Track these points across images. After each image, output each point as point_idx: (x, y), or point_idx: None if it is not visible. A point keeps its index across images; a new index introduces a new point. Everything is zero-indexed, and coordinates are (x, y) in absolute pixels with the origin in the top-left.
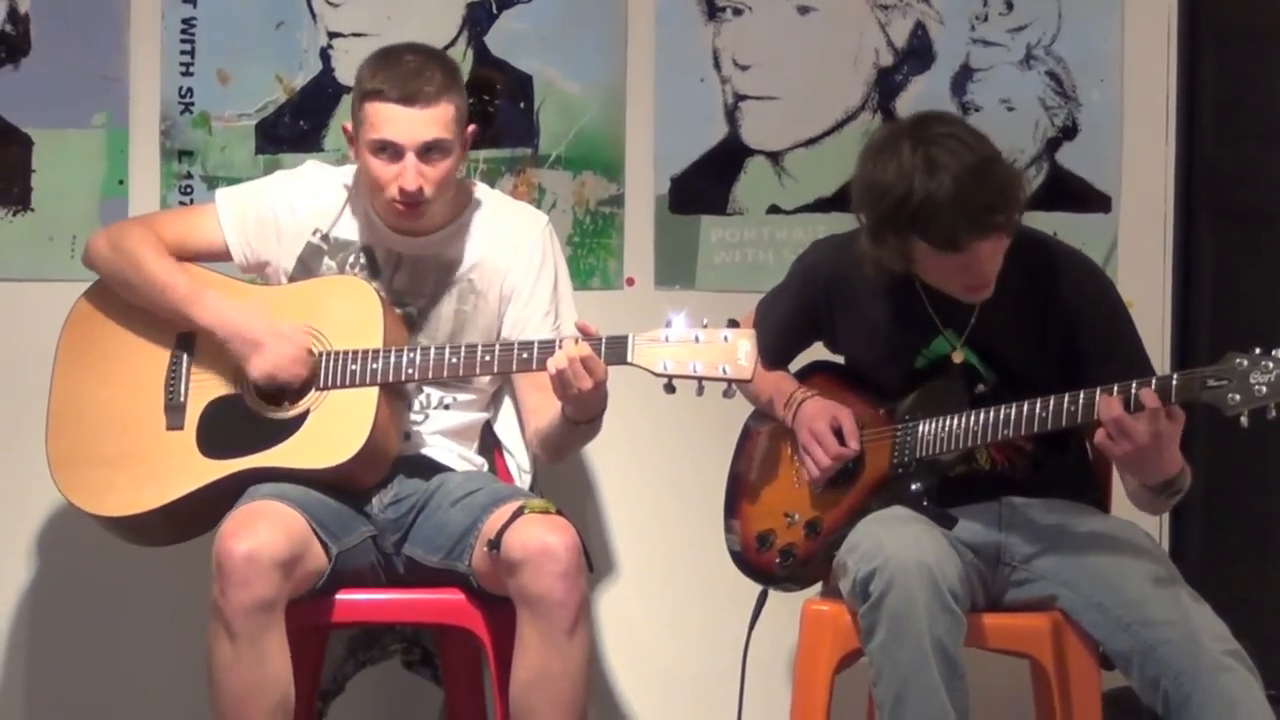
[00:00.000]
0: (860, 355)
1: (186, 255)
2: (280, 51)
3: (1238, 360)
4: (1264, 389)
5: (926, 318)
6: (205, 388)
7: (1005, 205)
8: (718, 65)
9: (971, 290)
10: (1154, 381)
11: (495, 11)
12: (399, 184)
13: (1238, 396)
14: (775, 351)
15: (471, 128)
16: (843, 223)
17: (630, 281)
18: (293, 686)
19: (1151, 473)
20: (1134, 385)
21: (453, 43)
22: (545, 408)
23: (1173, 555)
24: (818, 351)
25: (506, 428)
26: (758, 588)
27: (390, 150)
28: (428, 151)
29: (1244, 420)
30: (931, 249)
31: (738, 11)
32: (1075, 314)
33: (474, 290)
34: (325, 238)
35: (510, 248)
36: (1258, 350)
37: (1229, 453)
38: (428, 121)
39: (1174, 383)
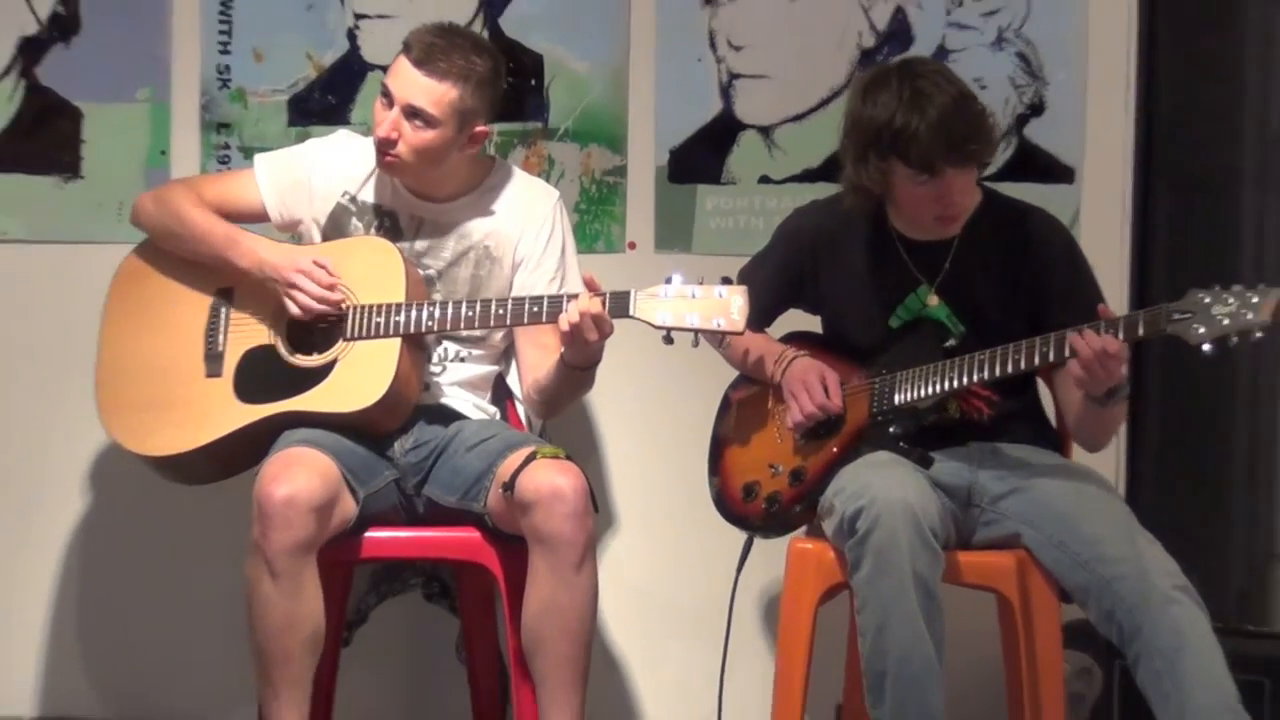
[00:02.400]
0: (841, 310)
1: (225, 215)
2: (310, 31)
3: (1200, 295)
4: (1226, 319)
5: (904, 267)
6: (242, 339)
7: (979, 138)
8: (713, 46)
9: (941, 221)
10: (1123, 318)
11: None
12: (382, 131)
13: (1202, 328)
14: (760, 312)
15: (481, 128)
16: (828, 192)
17: (632, 245)
18: (324, 620)
19: (1111, 385)
20: (1102, 325)
21: (469, 24)
22: (543, 363)
23: (1128, 498)
24: (795, 323)
25: (517, 380)
26: (736, 533)
27: (388, 98)
28: (412, 115)
29: (1207, 348)
30: (910, 173)
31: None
32: (1042, 262)
33: (489, 256)
34: (353, 200)
35: (523, 218)
36: (1217, 286)
37: (1181, 405)
38: (423, 89)
39: (1141, 317)
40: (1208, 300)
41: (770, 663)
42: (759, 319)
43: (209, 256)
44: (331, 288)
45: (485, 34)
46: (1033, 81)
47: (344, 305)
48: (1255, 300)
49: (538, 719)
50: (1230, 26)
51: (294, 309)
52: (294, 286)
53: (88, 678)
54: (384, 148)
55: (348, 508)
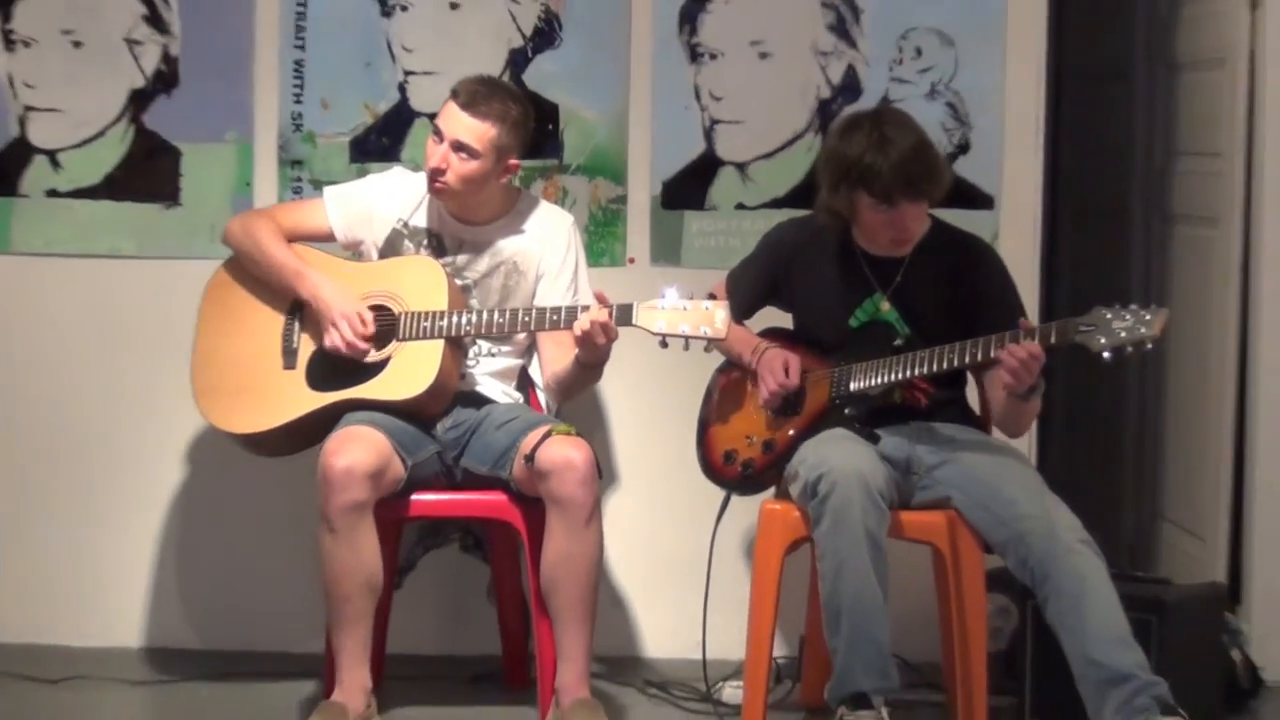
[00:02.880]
0: (809, 310)
1: (299, 237)
2: (368, 85)
3: (1103, 311)
4: (1123, 333)
5: (864, 277)
6: (313, 337)
7: (931, 178)
8: (698, 97)
9: (895, 243)
10: (1038, 328)
11: (530, 55)
12: (433, 163)
13: (1103, 339)
14: (743, 308)
15: (513, 161)
16: (792, 216)
17: (631, 260)
18: (381, 568)
19: (1027, 386)
20: (1021, 333)
21: (503, 73)
22: (561, 358)
23: (1039, 467)
24: (771, 319)
25: (537, 371)
26: (723, 494)
27: (439, 135)
28: (459, 149)
29: (1107, 356)
30: (872, 202)
31: (713, 56)
32: (976, 279)
33: (517, 269)
34: (405, 225)
35: (545, 239)
36: (1117, 305)
37: (1083, 394)
38: (468, 127)
39: (1054, 329)
40: (1109, 316)
41: (745, 601)
42: (742, 313)
43: (278, 284)
44: (364, 338)
45: (511, 79)
46: (960, 126)
47: (395, 310)
48: (1148, 318)
49: (554, 648)
50: (1123, 80)
51: (328, 342)
52: (335, 326)
53: (184, 613)
54: (435, 176)
55: (397, 472)
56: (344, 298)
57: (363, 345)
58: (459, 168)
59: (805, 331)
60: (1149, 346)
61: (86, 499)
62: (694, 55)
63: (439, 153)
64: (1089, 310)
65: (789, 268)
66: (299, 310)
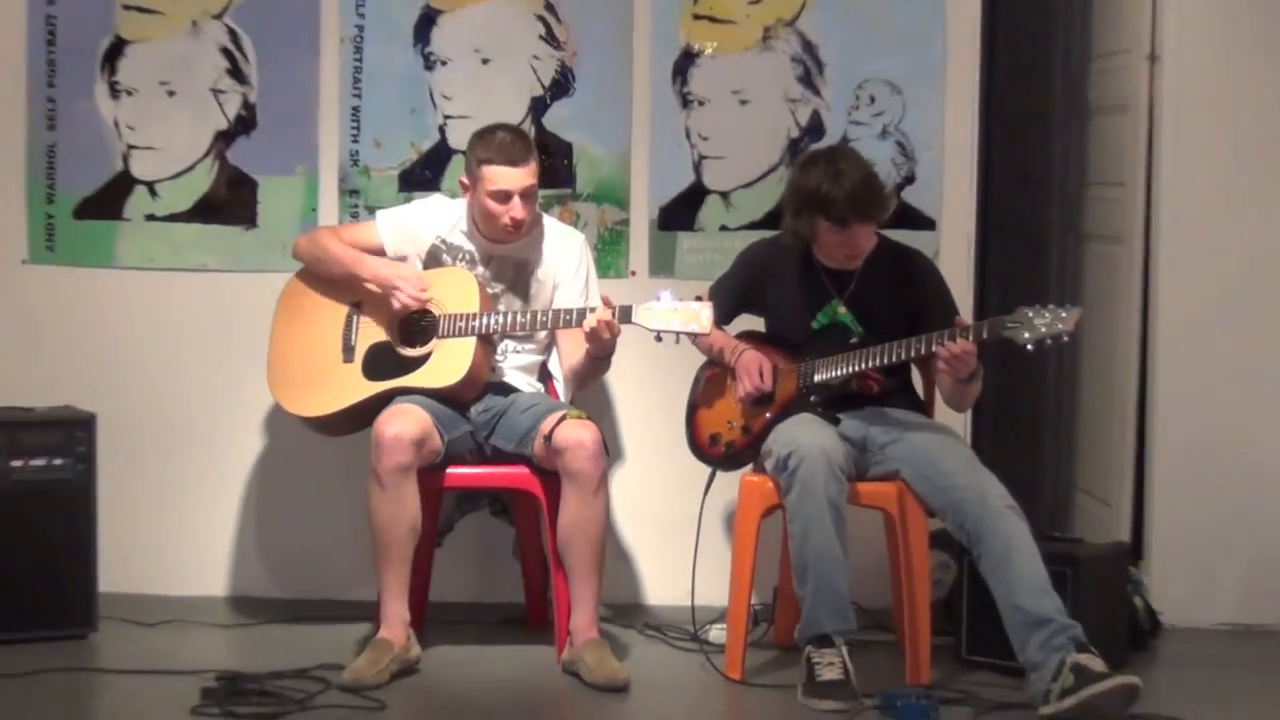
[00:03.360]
0: (778, 315)
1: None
2: (414, 127)
3: (1025, 310)
4: (1043, 328)
5: (823, 287)
6: (368, 336)
7: (877, 205)
8: (688, 137)
9: (849, 258)
10: (971, 326)
11: (549, 102)
12: (510, 215)
13: (1026, 334)
14: (724, 314)
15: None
16: (766, 236)
17: (633, 272)
18: (420, 519)
19: (968, 372)
20: (957, 331)
21: (521, 122)
22: (575, 352)
23: (973, 444)
24: (745, 324)
25: (555, 366)
26: (703, 469)
27: (503, 195)
28: (525, 196)
29: (1030, 348)
30: (828, 225)
31: (701, 103)
32: (917, 285)
33: (537, 280)
34: (444, 242)
35: (561, 253)
36: (1037, 305)
37: (1010, 383)
38: (525, 175)
39: (985, 326)
40: (1030, 314)
41: (728, 558)
42: (722, 320)
43: (341, 273)
44: (422, 289)
45: (533, 130)
46: (907, 161)
47: (436, 313)
48: (1064, 315)
49: (569, 597)
50: (1043, 122)
51: (396, 304)
52: (397, 289)
53: (261, 567)
54: (518, 226)
55: (436, 444)
56: (397, 266)
57: (424, 296)
58: (529, 207)
59: (775, 333)
60: (1065, 339)
61: (180, 472)
62: (685, 102)
63: (517, 206)
64: (1014, 310)
65: (760, 281)
66: (357, 313)
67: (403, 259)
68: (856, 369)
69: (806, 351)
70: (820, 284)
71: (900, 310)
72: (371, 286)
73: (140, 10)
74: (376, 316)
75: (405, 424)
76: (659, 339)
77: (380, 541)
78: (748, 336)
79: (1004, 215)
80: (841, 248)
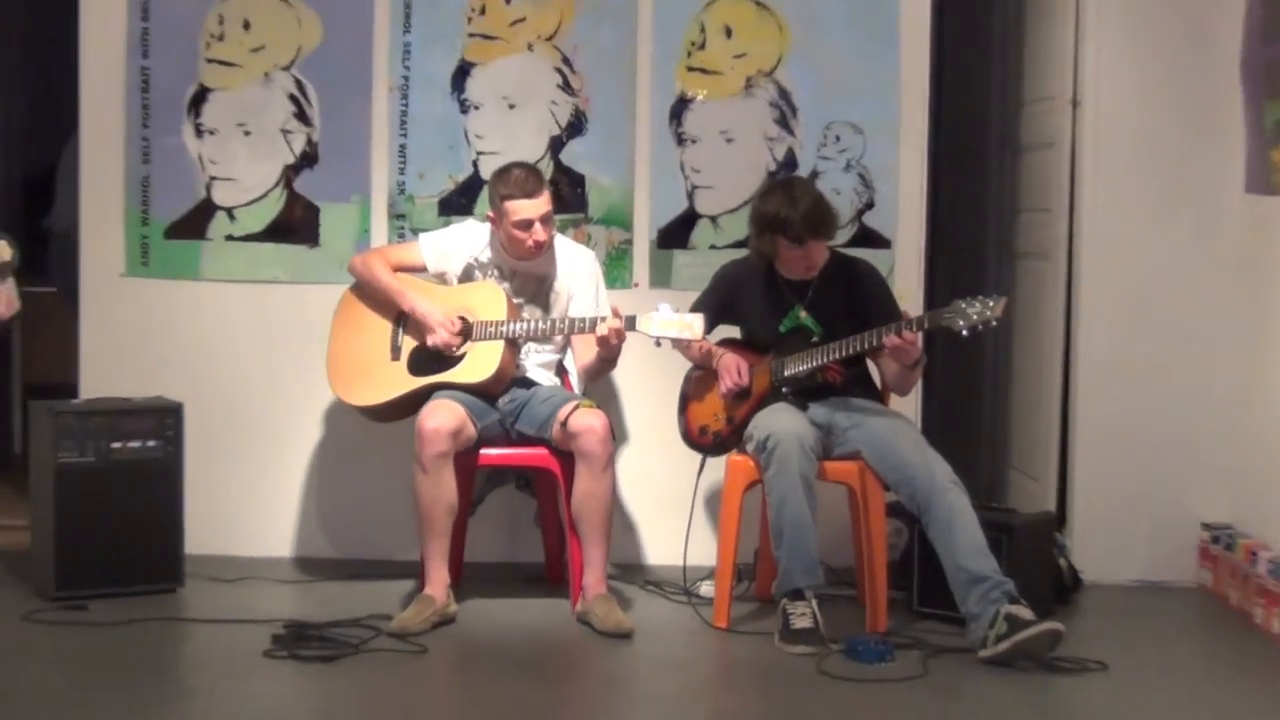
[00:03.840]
0: (751, 323)
1: (401, 269)
2: (451, 162)
3: (959, 302)
4: (975, 315)
5: (786, 296)
6: (413, 337)
7: (827, 225)
8: (683, 169)
9: (806, 271)
10: (915, 318)
11: (565, 141)
12: (533, 239)
13: (961, 321)
14: (709, 323)
15: None
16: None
17: (636, 284)
18: (456, 498)
19: (913, 360)
20: (903, 323)
21: (539, 160)
22: (587, 353)
23: (922, 429)
24: (725, 332)
25: (570, 364)
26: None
27: (526, 224)
28: (545, 222)
29: (965, 333)
30: (787, 243)
31: (693, 141)
32: (864, 289)
33: (554, 291)
34: (476, 260)
35: (575, 269)
36: (969, 296)
37: (953, 375)
38: (541, 204)
39: (927, 317)
40: (964, 305)
41: (716, 525)
42: (710, 327)
43: (385, 301)
44: (454, 335)
45: (551, 164)
46: (867, 190)
47: (470, 319)
48: (991, 304)
49: (582, 558)
50: (981, 158)
51: (431, 341)
52: (435, 330)
53: (321, 532)
54: (540, 247)
55: (470, 432)
56: (438, 309)
57: (456, 340)
58: (548, 230)
59: (749, 337)
60: (994, 324)
61: (253, 452)
62: (679, 140)
63: (536, 232)
64: (951, 303)
65: (733, 296)
66: (402, 320)
67: (442, 275)
68: (819, 363)
69: (776, 350)
70: (783, 294)
71: (852, 311)
72: (408, 302)
73: (221, 63)
74: (420, 326)
75: (444, 418)
76: (658, 344)
77: (423, 517)
78: (726, 343)
79: (949, 236)
80: (799, 261)
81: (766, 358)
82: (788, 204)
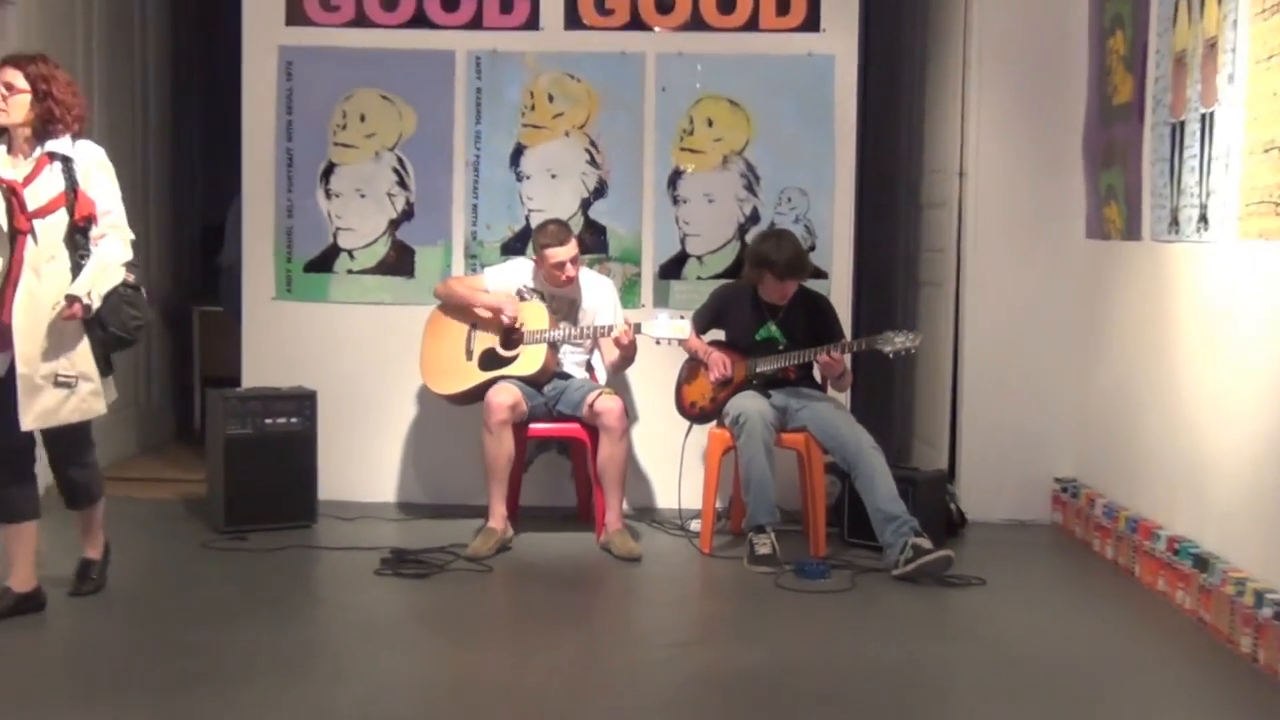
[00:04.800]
0: (735, 331)
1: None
2: (509, 217)
3: (888, 332)
4: (900, 342)
5: (763, 313)
6: (481, 343)
7: (803, 268)
8: (677, 223)
9: (780, 298)
10: (852, 341)
11: (592, 201)
12: (565, 275)
13: (889, 347)
14: (700, 328)
15: None
16: (725, 283)
17: (644, 305)
18: (514, 455)
19: (836, 374)
20: (843, 344)
21: (574, 214)
22: (609, 353)
23: (852, 410)
24: (713, 335)
25: (597, 362)
26: (686, 424)
27: (559, 265)
28: (574, 262)
29: (891, 356)
30: (772, 278)
31: (685, 201)
32: (819, 313)
33: (582, 309)
34: (525, 288)
35: (598, 294)
36: (898, 328)
37: (876, 376)
38: (570, 249)
39: (862, 342)
40: (892, 334)
41: (701, 478)
42: (699, 331)
43: (463, 305)
44: (514, 310)
45: (582, 219)
46: (810, 236)
47: (521, 328)
48: (912, 336)
49: (604, 503)
50: (895, 211)
51: (504, 318)
52: (502, 309)
53: (416, 481)
54: (570, 281)
55: (523, 408)
56: (499, 296)
57: (507, 319)
58: (576, 268)
59: (732, 342)
60: (913, 350)
61: (367, 426)
62: (674, 201)
63: (567, 269)
64: (882, 332)
65: (724, 309)
66: (473, 329)
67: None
68: (782, 364)
69: (752, 353)
70: (761, 311)
71: (809, 329)
72: (483, 312)
73: (344, 145)
74: (486, 333)
75: (504, 396)
76: (659, 343)
77: (489, 469)
78: (715, 344)
79: (870, 269)
80: (777, 290)
81: (744, 357)
82: (777, 250)
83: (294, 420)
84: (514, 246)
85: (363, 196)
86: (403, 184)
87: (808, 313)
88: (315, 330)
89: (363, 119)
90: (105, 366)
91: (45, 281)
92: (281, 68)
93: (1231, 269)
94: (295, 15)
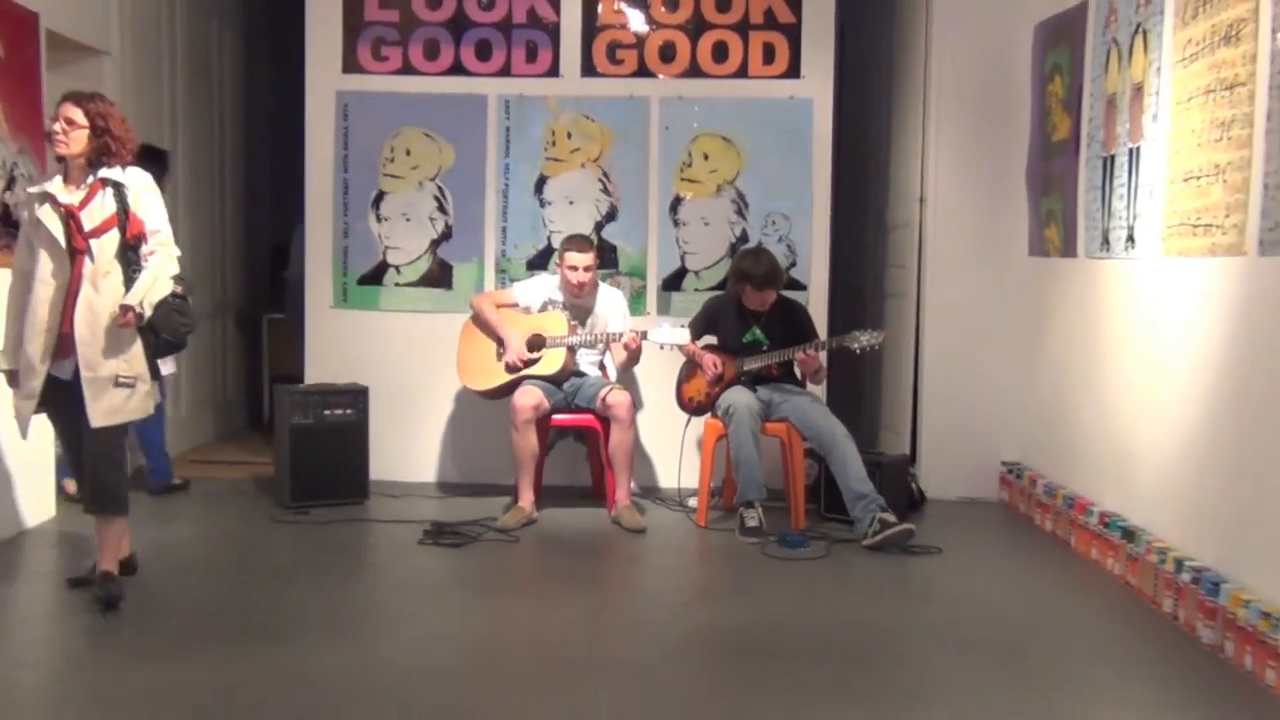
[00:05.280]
0: (724, 335)
1: (502, 305)
2: (533, 236)
3: (855, 332)
4: (865, 340)
5: (748, 319)
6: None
7: (779, 279)
8: (677, 242)
9: (761, 305)
10: (825, 340)
11: (604, 224)
12: (577, 279)
13: (856, 345)
14: (696, 334)
15: None
16: (716, 294)
17: (649, 313)
18: (537, 446)
19: (812, 370)
20: (818, 343)
21: (589, 235)
22: (619, 355)
23: (827, 402)
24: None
25: (608, 361)
26: (685, 415)
27: (573, 269)
28: (587, 270)
29: (859, 351)
30: (752, 288)
31: (684, 224)
32: (796, 318)
33: (596, 317)
34: (549, 299)
35: (609, 306)
36: (863, 328)
37: (847, 372)
38: (587, 258)
39: (834, 341)
40: (859, 334)
41: (698, 461)
42: (695, 337)
43: (488, 330)
44: (520, 359)
45: (596, 238)
46: (792, 255)
47: (544, 336)
48: (876, 334)
49: (614, 483)
50: (864, 232)
51: (504, 359)
52: (508, 353)
53: (453, 463)
54: (581, 287)
55: (545, 406)
56: (517, 338)
57: (519, 362)
58: (592, 276)
59: (723, 345)
60: (878, 346)
61: (410, 416)
62: (675, 224)
63: (579, 273)
64: (850, 332)
65: (715, 317)
66: (503, 340)
67: (527, 308)
68: (765, 363)
69: (740, 353)
70: (746, 318)
71: (787, 332)
72: (500, 337)
73: (391, 176)
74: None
75: (528, 398)
76: (662, 347)
77: (516, 461)
78: (708, 347)
79: (843, 282)
80: (757, 299)
81: (733, 357)
82: (755, 265)
83: (349, 412)
84: (537, 262)
85: (408, 220)
86: (442, 209)
87: (785, 317)
88: (367, 335)
89: (408, 153)
90: (155, 370)
91: (102, 294)
92: (339, 109)
93: (1155, 283)
94: (350, 64)
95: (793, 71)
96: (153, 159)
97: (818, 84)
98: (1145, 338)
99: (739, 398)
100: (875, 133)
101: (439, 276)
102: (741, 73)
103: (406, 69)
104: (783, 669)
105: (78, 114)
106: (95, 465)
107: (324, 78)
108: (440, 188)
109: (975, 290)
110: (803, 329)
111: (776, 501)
